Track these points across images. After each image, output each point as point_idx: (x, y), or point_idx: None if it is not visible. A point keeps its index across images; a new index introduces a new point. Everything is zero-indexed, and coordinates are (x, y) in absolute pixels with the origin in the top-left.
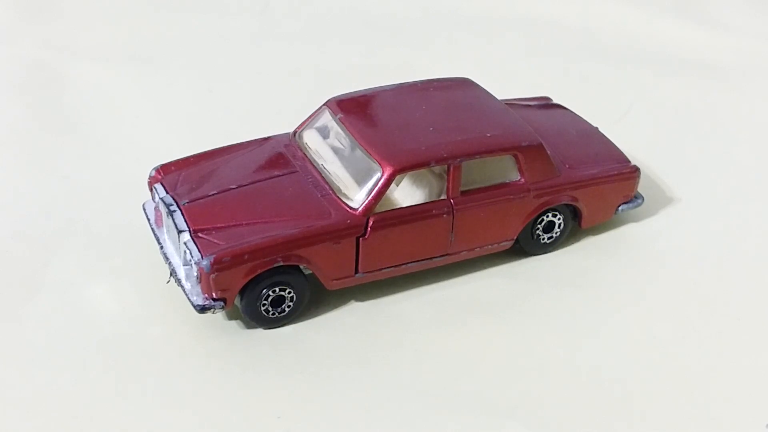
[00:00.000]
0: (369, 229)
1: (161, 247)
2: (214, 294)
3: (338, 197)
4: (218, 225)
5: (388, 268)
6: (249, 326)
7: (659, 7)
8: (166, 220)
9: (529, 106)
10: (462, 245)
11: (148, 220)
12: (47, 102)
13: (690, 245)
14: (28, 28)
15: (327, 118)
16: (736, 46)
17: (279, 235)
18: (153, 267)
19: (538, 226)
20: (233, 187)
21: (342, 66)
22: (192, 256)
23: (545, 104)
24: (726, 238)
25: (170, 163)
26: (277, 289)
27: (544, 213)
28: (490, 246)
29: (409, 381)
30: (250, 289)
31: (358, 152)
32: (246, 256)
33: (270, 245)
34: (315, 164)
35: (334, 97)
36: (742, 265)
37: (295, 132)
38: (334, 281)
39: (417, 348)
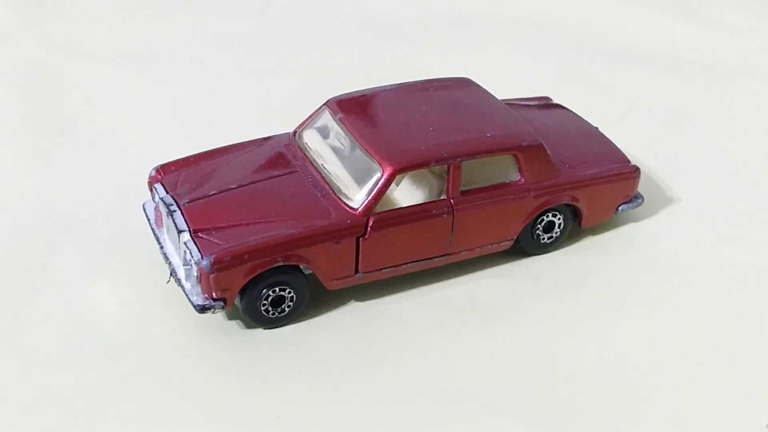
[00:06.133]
0: (369, 229)
1: (161, 247)
2: (214, 294)
3: (338, 197)
4: (218, 225)
5: (388, 268)
6: (249, 326)
7: (659, 7)
8: (166, 220)
9: (529, 106)
10: (462, 245)
11: (148, 220)
12: (47, 102)
13: (690, 245)
14: (28, 28)
15: (327, 118)
16: (736, 46)
17: (279, 235)
18: (153, 267)
19: (538, 226)
20: (233, 187)
21: (342, 66)
22: (192, 256)
23: (545, 104)
24: (726, 238)
25: (170, 163)
26: (277, 289)
27: (544, 213)
28: (490, 246)
29: (409, 381)
30: (250, 289)
31: (358, 152)
32: (246, 256)
33: (270, 245)
34: (315, 164)
35: (334, 97)
36: (742, 264)
37: (295, 132)
38: (334, 281)
39: (417, 348)
